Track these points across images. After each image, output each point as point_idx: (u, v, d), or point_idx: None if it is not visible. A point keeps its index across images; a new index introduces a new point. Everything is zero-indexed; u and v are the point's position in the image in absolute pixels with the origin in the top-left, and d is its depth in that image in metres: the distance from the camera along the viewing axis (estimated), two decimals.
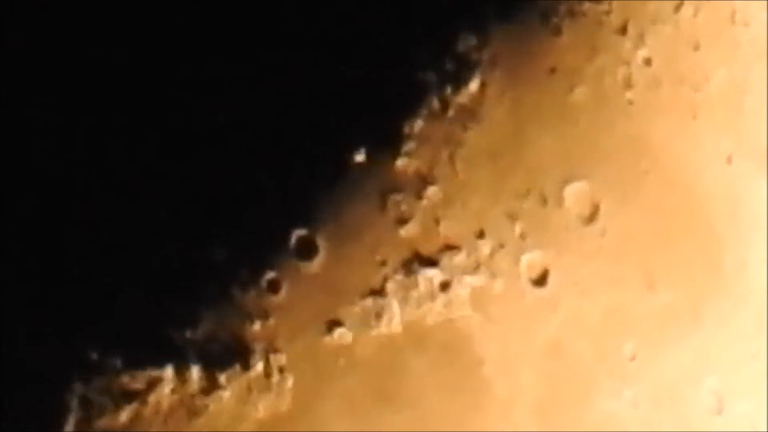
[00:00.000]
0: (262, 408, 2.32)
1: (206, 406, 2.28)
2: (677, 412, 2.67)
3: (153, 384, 2.25)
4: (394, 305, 2.42)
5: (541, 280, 2.55)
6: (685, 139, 2.72)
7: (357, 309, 2.40)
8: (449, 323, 2.46)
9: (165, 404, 2.26)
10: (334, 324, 2.38)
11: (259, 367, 2.32)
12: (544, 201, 2.56)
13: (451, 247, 2.47)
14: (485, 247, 2.50)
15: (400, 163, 2.44)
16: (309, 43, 2.36)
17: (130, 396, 2.24)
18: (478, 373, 2.48)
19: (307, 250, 2.36)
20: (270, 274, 2.33)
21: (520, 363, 2.52)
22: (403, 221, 2.44)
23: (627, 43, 2.66)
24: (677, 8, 2.73)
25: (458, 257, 2.48)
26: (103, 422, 2.21)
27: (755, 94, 2.80)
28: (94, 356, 2.21)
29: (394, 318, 2.42)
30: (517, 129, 2.55)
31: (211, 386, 2.29)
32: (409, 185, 2.45)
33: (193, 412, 2.27)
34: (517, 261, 2.53)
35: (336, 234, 2.38)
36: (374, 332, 2.40)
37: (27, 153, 2.20)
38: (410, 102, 2.45)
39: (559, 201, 2.58)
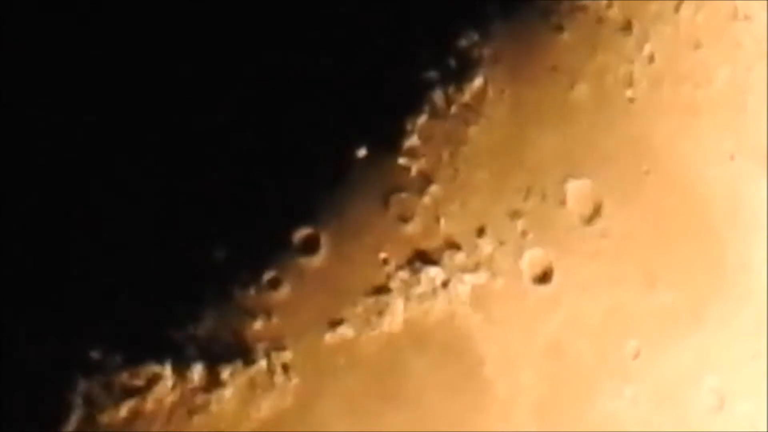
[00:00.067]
0: (264, 406, 2.33)
1: (208, 404, 2.28)
2: (678, 412, 2.67)
3: (153, 381, 2.25)
4: (396, 303, 2.42)
5: (541, 280, 2.55)
6: (687, 138, 2.72)
7: (359, 307, 2.39)
8: (450, 323, 2.46)
9: (166, 402, 2.26)
10: (336, 322, 2.38)
11: (262, 365, 2.32)
12: (545, 200, 2.56)
13: (452, 246, 2.47)
14: (486, 245, 2.50)
15: (402, 161, 2.44)
16: (309, 43, 2.35)
17: (130, 393, 2.24)
18: (478, 373, 2.48)
19: (310, 248, 2.36)
20: (271, 273, 2.33)
21: (521, 363, 2.52)
22: (405, 219, 2.44)
23: (628, 42, 2.66)
24: (678, 7, 2.72)
25: (459, 255, 2.48)
26: (103, 419, 2.22)
27: (756, 94, 2.80)
28: (95, 356, 2.22)
29: (396, 316, 2.42)
30: (518, 127, 2.54)
31: (213, 384, 2.29)
32: (411, 184, 2.44)
33: (195, 410, 2.27)
34: (517, 260, 2.53)
35: (338, 232, 2.38)
36: (376, 331, 2.40)
37: (27, 153, 2.20)
38: (412, 100, 2.44)
39: (561, 200, 2.57)
